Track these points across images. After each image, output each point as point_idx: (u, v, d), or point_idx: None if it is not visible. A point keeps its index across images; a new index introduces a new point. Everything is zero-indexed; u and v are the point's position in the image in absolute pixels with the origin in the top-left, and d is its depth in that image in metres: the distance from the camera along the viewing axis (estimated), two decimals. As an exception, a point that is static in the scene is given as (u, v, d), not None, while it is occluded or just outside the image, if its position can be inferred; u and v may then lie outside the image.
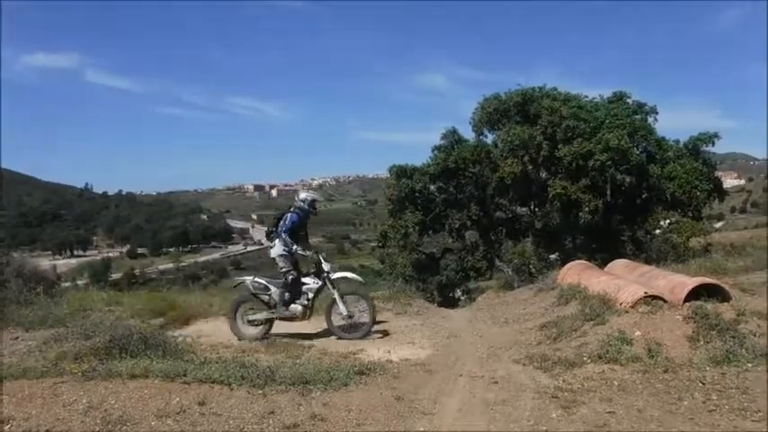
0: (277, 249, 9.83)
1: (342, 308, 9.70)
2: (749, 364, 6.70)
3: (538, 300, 10.80)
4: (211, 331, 10.14)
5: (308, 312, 9.90)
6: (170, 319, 10.89)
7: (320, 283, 9.79)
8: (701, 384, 6.27)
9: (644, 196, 17.93)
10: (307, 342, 8.97)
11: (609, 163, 15.84)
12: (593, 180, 16.34)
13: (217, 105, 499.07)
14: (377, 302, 11.97)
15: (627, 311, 8.16)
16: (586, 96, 18.29)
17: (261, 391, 6.12)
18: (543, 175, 17.41)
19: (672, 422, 5.40)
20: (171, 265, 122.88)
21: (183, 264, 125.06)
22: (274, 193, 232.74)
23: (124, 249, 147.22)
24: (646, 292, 8.42)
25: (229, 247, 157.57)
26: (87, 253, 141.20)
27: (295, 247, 9.73)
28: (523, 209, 19.13)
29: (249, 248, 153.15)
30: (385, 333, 9.93)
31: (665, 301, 8.34)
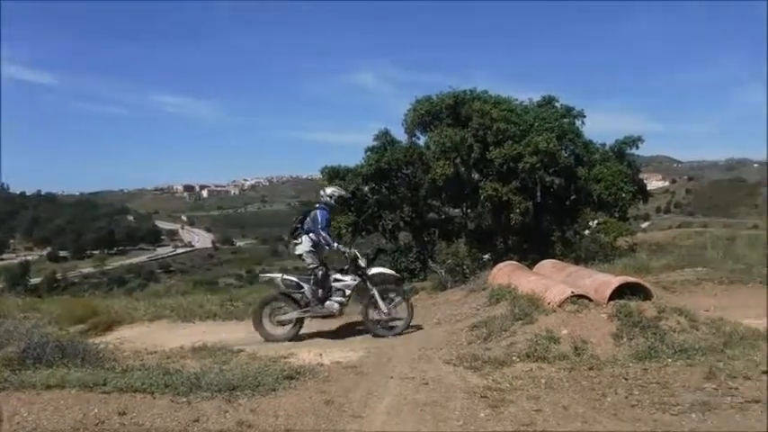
0: (304, 246, 9.78)
1: (381, 304, 9.77)
2: (669, 360, 6.98)
3: (469, 300, 10.93)
4: (135, 337, 9.93)
5: (343, 310, 9.90)
6: (91, 326, 10.61)
7: (358, 279, 9.81)
8: (624, 380, 6.47)
9: (572, 198, 18.31)
10: (236, 346, 8.84)
11: (538, 165, 16.11)
12: (523, 182, 16.60)
13: (145, 103, 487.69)
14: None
15: (554, 311, 8.36)
16: (516, 100, 18.59)
17: (185, 399, 5.99)
18: (475, 176, 17.60)
19: (596, 418, 5.55)
20: (95, 269, 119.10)
21: (109, 267, 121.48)
22: (205, 193, 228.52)
23: (44, 252, 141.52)
24: (572, 292, 8.63)
25: (158, 249, 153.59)
26: (4, 256, 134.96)
27: (336, 244, 9.87)
28: (456, 210, 19.27)
29: (179, 250, 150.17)
30: (317, 336, 9.90)
31: (590, 300, 8.57)
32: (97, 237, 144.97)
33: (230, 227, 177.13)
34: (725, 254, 14.07)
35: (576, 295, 8.60)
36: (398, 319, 9.88)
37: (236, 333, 10.12)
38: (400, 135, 18.39)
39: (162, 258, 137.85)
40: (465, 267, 16.73)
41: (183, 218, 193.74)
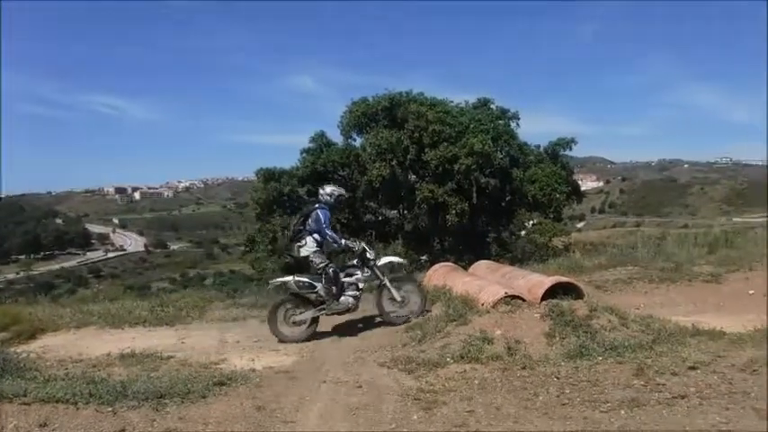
0: (309, 247, 9.62)
1: (395, 293, 9.70)
2: (600, 358, 7.05)
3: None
4: (60, 345, 9.53)
5: (359, 303, 9.82)
6: (14, 334, 10.12)
7: (368, 272, 9.74)
8: (555, 379, 6.51)
9: (508, 199, 18.59)
10: (166, 353, 8.59)
11: (474, 167, 16.31)
12: (459, 183, 16.76)
13: (75, 103, 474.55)
14: (243, 310, 11.76)
15: (488, 311, 8.39)
16: (452, 102, 18.79)
17: (110, 409, 5.80)
18: (411, 178, 17.68)
19: (527, 417, 5.57)
20: (21, 274, 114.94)
21: (35, 272, 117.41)
22: (137, 195, 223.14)
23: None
24: (506, 293, 8.69)
25: (88, 253, 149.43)
26: None
27: (344, 240, 9.75)
28: (393, 212, 19.35)
29: (110, 255, 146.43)
30: (250, 341, 9.72)
31: (524, 301, 8.63)
32: (23, 241, 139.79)
33: (164, 230, 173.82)
34: (655, 253, 14.39)
35: (509, 296, 8.66)
36: (413, 303, 9.82)
37: (166, 339, 9.85)
38: (337, 137, 18.36)
39: (92, 263, 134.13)
40: (403, 269, 16.73)
41: (115, 221, 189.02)
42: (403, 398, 6.21)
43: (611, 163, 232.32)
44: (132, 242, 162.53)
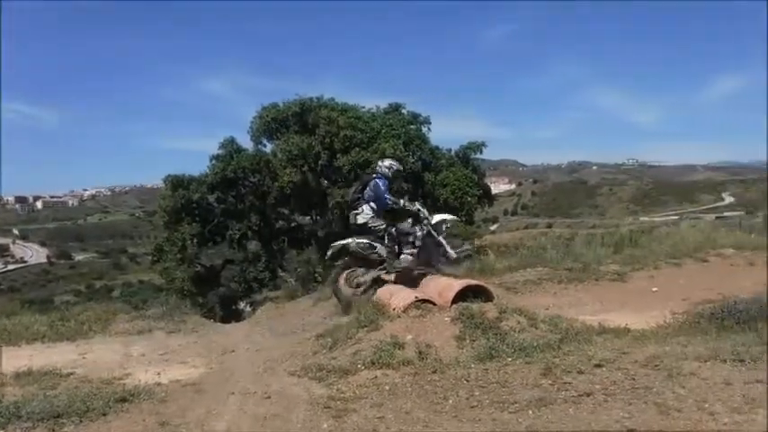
0: (366, 215, 10.20)
1: (449, 250, 10.24)
2: (509, 359, 7.13)
3: (317, 309, 10.80)
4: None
5: (416, 261, 10.23)
6: None
7: (425, 229, 10.15)
8: (465, 382, 6.53)
9: (421, 202, 18.64)
10: (65, 370, 8.18)
11: (386, 171, 16.29)
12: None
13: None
14: (149, 322, 11.40)
15: (399, 316, 8.35)
16: (363, 107, 18.77)
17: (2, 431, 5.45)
18: (323, 183, 17.55)
19: (437, 421, 5.55)
20: None
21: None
22: (39, 204, 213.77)
23: None
24: (416, 297, 8.67)
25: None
26: None
27: (402, 201, 10.30)
28: (305, 218, 19.18)
29: (10, 267, 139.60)
30: (156, 354, 9.40)
31: (435, 305, 8.65)
32: None
33: (68, 240, 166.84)
34: (564, 253, 14.74)
35: (420, 300, 8.64)
36: (463, 256, 10.52)
37: (67, 355, 9.41)
38: (248, 143, 18.06)
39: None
40: (317, 275, 16.62)
41: (15, 231, 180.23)
42: (313, 406, 6.10)
43: (523, 166, 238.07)
44: (34, 253, 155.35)
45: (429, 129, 18.76)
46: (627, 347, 7.41)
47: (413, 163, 17.44)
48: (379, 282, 10.15)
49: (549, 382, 6.33)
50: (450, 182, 17.89)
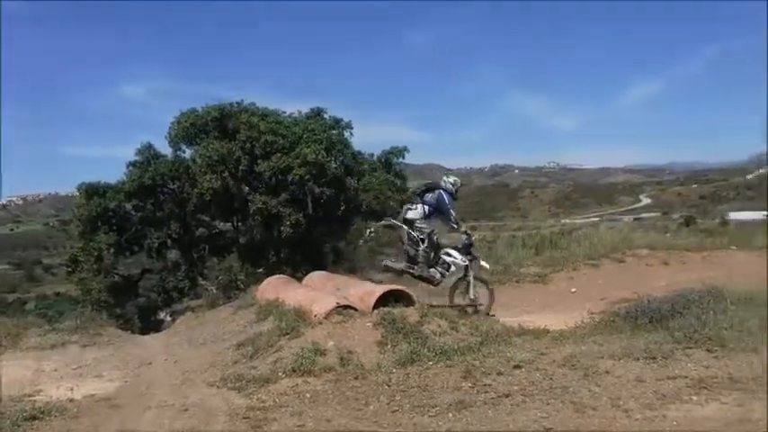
0: (418, 213, 10.53)
1: (471, 291, 10.40)
2: (430, 363, 7.17)
3: (237, 318, 10.56)
4: None
5: (442, 282, 10.49)
6: None
7: (467, 262, 10.46)
8: (387, 387, 6.53)
9: (343, 208, 18.52)
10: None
11: (308, 177, 16.12)
12: (293, 194, 16.53)
13: None
14: (63, 335, 10.98)
15: (321, 323, 8.29)
16: (285, 112, 18.53)
17: None
18: (244, 189, 17.22)
19: (358, 427, 5.54)
20: None
21: None
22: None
23: None
24: (338, 303, 8.63)
25: None
26: None
27: (464, 226, 10.83)
28: (226, 224, 18.80)
29: None
30: (69, 368, 9.04)
31: (356, 310, 8.61)
32: None
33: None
34: (487, 256, 14.93)
35: (342, 306, 8.60)
36: (480, 305, 10.44)
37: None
38: (166, 149, 17.57)
39: None
40: (239, 283, 16.33)
41: None
42: (232, 418, 5.99)
43: (448, 169, 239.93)
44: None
45: (351, 134, 18.64)
46: (545, 348, 7.56)
47: (335, 168, 17.30)
48: (402, 275, 10.56)
49: (469, 384, 6.39)
50: (372, 187, 17.81)
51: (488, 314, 10.32)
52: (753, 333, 7.06)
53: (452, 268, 10.56)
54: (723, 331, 7.06)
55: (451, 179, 11.17)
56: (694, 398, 5.56)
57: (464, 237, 10.77)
